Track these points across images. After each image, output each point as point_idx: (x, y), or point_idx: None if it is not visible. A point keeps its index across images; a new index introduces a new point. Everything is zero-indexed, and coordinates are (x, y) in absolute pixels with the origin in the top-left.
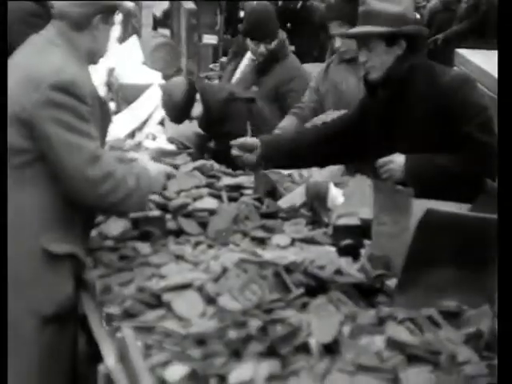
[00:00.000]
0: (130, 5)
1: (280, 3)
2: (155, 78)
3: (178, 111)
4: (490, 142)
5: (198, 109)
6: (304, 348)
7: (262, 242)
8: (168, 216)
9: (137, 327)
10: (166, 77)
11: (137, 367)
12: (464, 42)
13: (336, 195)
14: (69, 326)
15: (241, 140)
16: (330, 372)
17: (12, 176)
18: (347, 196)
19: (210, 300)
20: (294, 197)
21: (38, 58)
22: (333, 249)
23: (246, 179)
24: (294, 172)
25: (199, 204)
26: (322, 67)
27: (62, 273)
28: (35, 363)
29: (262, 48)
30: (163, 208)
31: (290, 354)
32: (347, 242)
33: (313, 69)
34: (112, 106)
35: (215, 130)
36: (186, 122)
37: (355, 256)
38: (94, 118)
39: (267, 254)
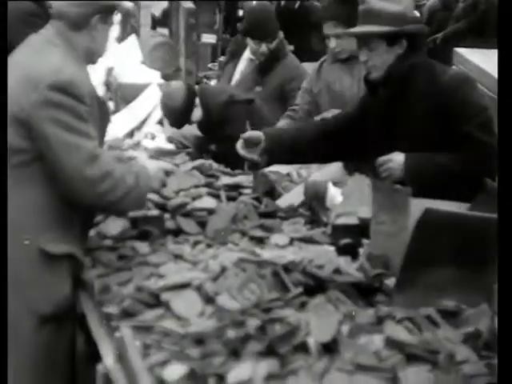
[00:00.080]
0: (129, 5)
1: (281, 3)
2: (154, 77)
3: (177, 116)
4: (489, 141)
5: (197, 113)
6: (303, 347)
7: (260, 241)
8: (167, 215)
9: (135, 327)
10: (164, 76)
11: (135, 367)
12: (463, 41)
13: (335, 194)
14: (67, 326)
15: (247, 134)
16: (328, 371)
17: (10, 176)
18: (346, 195)
19: (209, 299)
20: (292, 196)
21: (37, 57)
22: (331, 248)
23: (244, 179)
24: (293, 171)
25: (198, 203)
26: (314, 67)
27: (60, 273)
28: (33, 362)
29: (264, 47)
30: (162, 207)
31: (289, 354)
32: (346, 241)
33: (312, 68)
34: (111, 105)
35: (215, 132)
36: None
37: (354, 255)
38: (93, 117)
39: (266, 254)
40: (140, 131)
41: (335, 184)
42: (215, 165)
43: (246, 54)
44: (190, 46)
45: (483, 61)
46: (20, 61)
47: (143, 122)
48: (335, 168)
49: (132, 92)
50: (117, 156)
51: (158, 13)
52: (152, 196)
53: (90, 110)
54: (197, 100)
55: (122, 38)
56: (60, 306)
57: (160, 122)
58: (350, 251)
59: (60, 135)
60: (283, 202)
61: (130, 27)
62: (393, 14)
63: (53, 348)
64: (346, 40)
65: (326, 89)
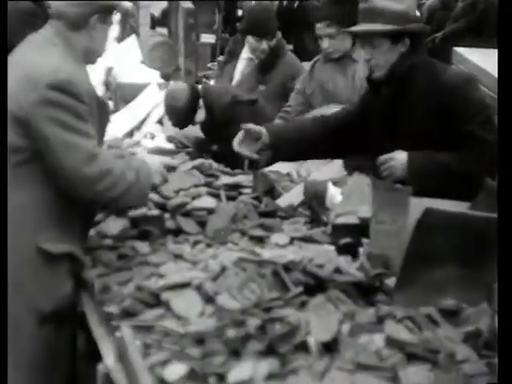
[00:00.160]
0: (128, 5)
1: (284, 3)
2: (153, 77)
3: (181, 117)
4: (492, 140)
5: (200, 114)
6: (303, 347)
7: (260, 240)
8: (167, 215)
9: (136, 326)
10: (164, 76)
11: (136, 366)
12: (462, 41)
13: (334, 194)
14: (67, 325)
15: (249, 126)
16: (329, 371)
17: (10, 175)
18: (346, 195)
19: (209, 299)
20: (292, 196)
21: (36, 57)
22: (331, 247)
23: (244, 178)
24: (293, 171)
25: (198, 203)
26: (302, 68)
27: (60, 272)
28: (33, 362)
29: (264, 44)
30: (162, 207)
31: (289, 353)
32: (346, 240)
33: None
34: (110, 105)
35: (219, 133)
36: None
37: (354, 255)
38: (92, 117)
39: (266, 253)
40: (139, 131)
41: (335, 183)
42: (215, 164)
43: (244, 54)
44: (190, 45)
45: (482, 60)
46: (19, 60)
47: (143, 122)
48: (335, 167)
49: (131, 92)
50: (117, 153)
51: (157, 12)
52: (152, 196)
53: (89, 109)
54: (200, 101)
55: (121, 38)
56: (60, 306)
57: (159, 122)
58: (350, 251)
59: (59, 134)
60: (283, 201)
61: (129, 27)
62: (396, 12)
63: (53, 347)
64: (339, 40)
65: (320, 89)
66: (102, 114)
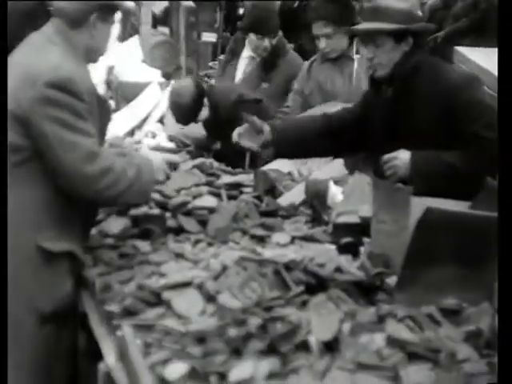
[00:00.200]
0: (130, 4)
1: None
2: (154, 76)
3: (185, 113)
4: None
5: (203, 112)
6: (304, 346)
7: (261, 240)
8: (168, 214)
9: (137, 325)
10: (165, 75)
11: (137, 365)
12: (464, 40)
13: (335, 193)
14: (68, 324)
15: (252, 118)
16: (330, 370)
17: (9, 174)
18: (347, 194)
19: (210, 298)
20: (293, 195)
21: (36, 55)
22: (332, 247)
23: (245, 177)
24: (294, 170)
25: (199, 202)
26: (303, 68)
27: (60, 271)
28: (34, 361)
29: (266, 42)
30: (163, 206)
31: (290, 352)
32: (347, 239)
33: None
34: (111, 104)
35: (222, 132)
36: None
37: (355, 254)
38: (93, 115)
39: (267, 252)
40: (141, 130)
41: (336, 182)
42: (216, 163)
43: (246, 53)
44: (191, 44)
45: (484, 59)
46: (20, 59)
47: (144, 121)
48: (336, 166)
49: (132, 90)
50: (119, 152)
51: (158, 11)
52: (153, 195)
53: (89, 107)
54: (205, 99)
55: (122, 37)
56: (60, 305)
57: (160, 121)
58: (351, 250)
59: (58, 133)
60: (284, 200)
61: (130, 26)
62: (400, 11)
63: (53, 347)
64: (336, 40)
65: (318, 89)
66: (102, 113)
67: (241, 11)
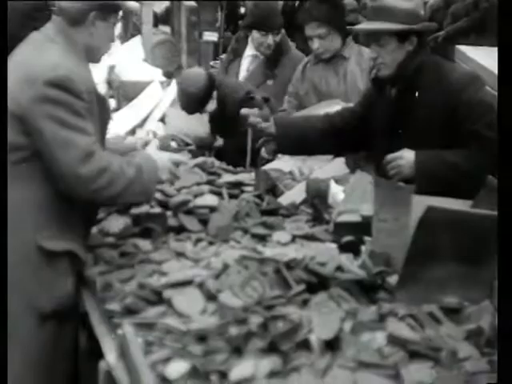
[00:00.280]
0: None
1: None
2: (156, 75)
3: (193, 101)
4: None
5: (211, 104)
6: (305, 344)
7: (262, 238)
8: (169, 213)
9: (137, 324)
10: (166, 74)
11: (137, 364)
12: (464, 39)
13: (336, 192)
14: (68, 323)
15: (254, 111)
16: (331, 368)
17: (9, 173)
18: (348, 193)
19: (211, 297)
20: (294, 194)
21: (36, 54)
22: (333, 245)
23: (246, 176)
24: (295, 169)
25: (200, 201)
26: (297, 70)
27: (60, 270)
28: (34, 360)
29: (270, 39)
30: (164, 205)
31: (291, 351)
32: (348, 238)
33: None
34: (112, 103)
35: (227, 127)
36: (189, 119)
37: (356, 253)
38: (92, 114)
39: (268, 251)
40: (142, 129)
41: (337, 181)
42: (217, 162)
43: (248, 52)
44: (192, 43)
45: (485, 58)
46: (20, 58)
47: (145, 120)
48: (337, 165)
49: (134, 90)
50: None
51: (159, 10)
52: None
53: (88, 106)
54: (214, 91)
55: (124, 36)
56: (61, 304)
57: (162, 120)
58: (352, 248)
59: (55, 131)
60: (285, 199)
61: (132, 25)
62: (405, 11)
63: (54, 345)
64: (329, 40)
65: (313, 90)
66: (102, 112)
67: (242, 10)
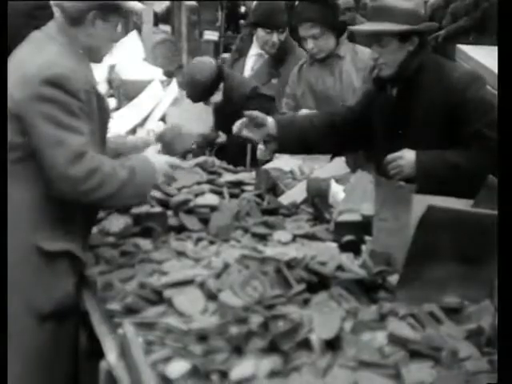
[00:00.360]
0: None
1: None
2: (156, 74)
3: (200, 91)
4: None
5: (217, 96)
6: (305, 344)
7: (263, 238)
8: (169, 212)
9: (138, 323)
10: (167, 73)
11: (138, 363)
12: (465, 39)
13: (337, 191)
14: (68, 323)
15: (254, 113)
16: (331, 368)
17: (9, 172)
18: (348, 192)
19: (212, 296)
20: (295, 193)
21: (35, 53)
22: (334, 245)
23: (247, 175)
24: (295, 168)
25: (200, 200)
26: (293, 72)
27: (59, 270)
28: (34, 360)
29: (275, 37)
30: (164, 204)
31: (292, 350)
32: (348, 238)
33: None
34: (113, 102)
35: (230, 122)
36: (189, 118)
37: (356, 252)
38: (90, 114)
39: (268, 250)
40: (142, 128)
41: (338, 181)
42: (217, 162)
43: (253, 51)
44: (193, 42)
45: (486, 57)
46: (20, 57)
47: (145, 119)
48: (338, 165)
49: (134, 89)
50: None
51: (159, 10)
52: (155, 193)
53: (85, 106)
54: (221, 83)
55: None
56: (60, 304)
57: (162, 119)
58: (353, 248)
59: (47, 130)
60: (286, 198)
61: (132, 24)
62: (406, 11)
63: (54, 345)
64: (323, 40)
65: (309, 90)
66: (102, 111)
67: (242, 10)
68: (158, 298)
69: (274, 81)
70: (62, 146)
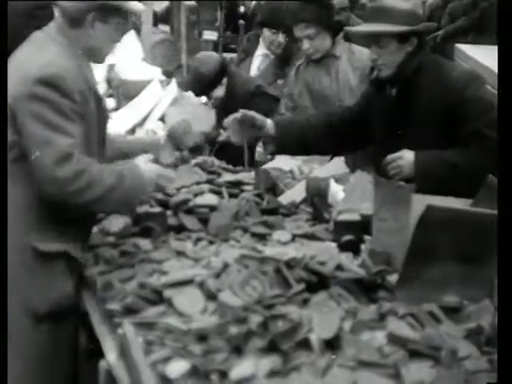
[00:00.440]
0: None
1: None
2: (155, 74)
3: (202, 84)
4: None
5: (219, 90)
6: (305, 344)
7: (262, 237)
8: (169, 212)
9: (138, 323)
10: (166, 73)
11: (138, 363)
12: (463, 39)
13: (336, 191)
14: (66, 324)
15: (250, 113)
16: (331, 368)
17: (9, 171)
18: (348, 192)
19: (211, 296)
20: (294, 193)
21: (34, 53)
22: (333, 244)
23: (246, 175)
24: (295, 168)
25: (200, 200)
26: (291, 73)
27: (55, 271)
28: (31, 361)
29: (281, 38)
30: (164, 204)
31: (291, 350)
32: (348, 237)
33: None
34: (112, 102)
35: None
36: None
37: (356, 252)
38: (88, 115)
39: (268, 250)
40: (142, 128)
41: (337, 180)
42: (217, 161)
43: (259, 51)
44: (192, 42)
45: (485, 57)
46: (19, 57)
47: (145, 119)
48: (337, 165)
49: (134, 88)
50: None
51: (159, 10)
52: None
53: (79, 107)
54: (225, 78)
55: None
56: (56, 305)
57: (161, 119)
58: (352, 248)
59: (36, 129)
60: (285, 198)
61: (131, 24)
62: (405, 11)
63: (51, 346)
64: (318, 40)
65: (306, 90)
66: (100, 112)
67: (241, 9)
68: (157, 297)
69: (280, 81)
70: (49, 146)
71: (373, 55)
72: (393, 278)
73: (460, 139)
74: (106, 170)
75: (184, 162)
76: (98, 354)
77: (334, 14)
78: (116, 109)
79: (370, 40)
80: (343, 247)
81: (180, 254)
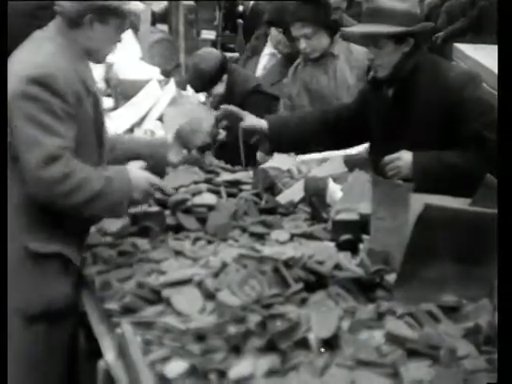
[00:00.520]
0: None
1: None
2: (154, 73)
3: (203, 80)
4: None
5: (219, 87)
6: (303, 343)
7: (261, 237)
8: (167, 212)
9: (136, 323)
10: (164, 72)
11: (136, 363)
12: (462, 38)
13: (335, 190)
14: (62, 325)
15: (250, 124)
16: (329, 367)
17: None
18: (346, 191)
19: (210, 295)
20: (292, 192)
21: (32, 53)
22: (332, 244)
23: (244, 175)
24: (293, 167)
25: (198, 200)
26: (289, 73)
27: (49, 272)
28: (26, 361)
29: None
30: (162, 204)
31: (290, 349)
32: (346, 237)
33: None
34: (110, 101)
35: None
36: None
37: (354, 251)
38: (83, 115)
39: (266, 250)
40: (140, 127)
41: (335, 180)
42: (215, 161)
43: (267, 50)
44: (190, 42)
45: (484, 57)
46: (19, 57)
47: (143, 119)
48: (335, 164)
49: (132, 88)
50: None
51: (157, 9)
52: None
53: (72, 108)
54: (225, 75)
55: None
56: (50, 305)
57: (160, 119)
58: (351, 247)
59: (26, 129)
60: (283, 198)
61: (130, 23)
62: (402, 12)
63: (46, 347)
64: (316, 39)
65: (304, 89)
66: (98, 113)
67: (240, 9)
68: (156, 297)
69: (286, 80)
70: (37, 147)
71: (369, 55)
72: (391, 278)
73: (458, 140)
74: (94, 174)
75: (193, 162)
76: (97, 353)
77: (331, 13)
78: (114, 108)
79: (367, 40)
80: (341, 246)
81: (178, 253)
